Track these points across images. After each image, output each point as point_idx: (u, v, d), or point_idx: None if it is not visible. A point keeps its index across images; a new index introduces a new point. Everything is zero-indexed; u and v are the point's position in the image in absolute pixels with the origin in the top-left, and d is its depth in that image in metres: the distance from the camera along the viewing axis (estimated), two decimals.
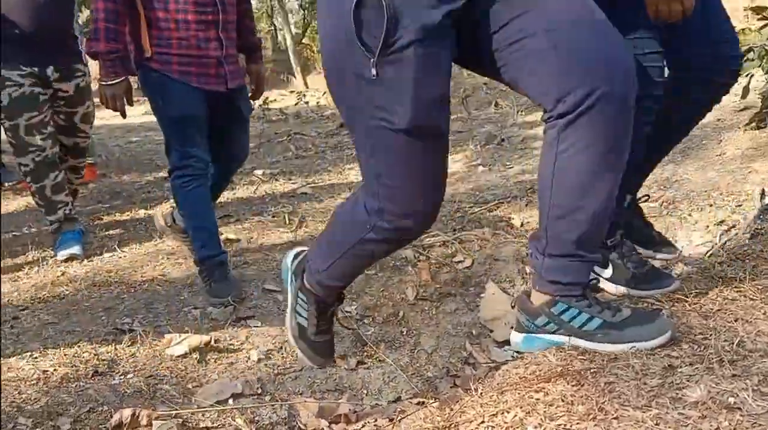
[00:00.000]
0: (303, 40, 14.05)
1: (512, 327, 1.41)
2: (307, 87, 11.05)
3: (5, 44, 2.66)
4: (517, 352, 1.51)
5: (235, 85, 2.30)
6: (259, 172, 4.31)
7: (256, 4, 17.98)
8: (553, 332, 1.30)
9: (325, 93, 8.81)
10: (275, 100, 8.59)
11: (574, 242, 1.24)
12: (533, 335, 1.33)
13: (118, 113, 2.33)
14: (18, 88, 2.69)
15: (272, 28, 18.36)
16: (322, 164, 4.54)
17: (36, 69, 2.73)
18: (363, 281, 2.37)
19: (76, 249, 2.78)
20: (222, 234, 2.99)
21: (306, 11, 14.85)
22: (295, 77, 12.43)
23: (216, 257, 2.29)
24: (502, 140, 4.43)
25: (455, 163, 4.10)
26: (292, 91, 10.00)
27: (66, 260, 2.76)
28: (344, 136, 5.64)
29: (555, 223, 1.25)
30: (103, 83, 2.19)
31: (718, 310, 1.35)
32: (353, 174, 4.14)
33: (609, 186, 1.22)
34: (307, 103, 8.21)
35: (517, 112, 5.25)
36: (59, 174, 2.84)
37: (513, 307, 1.44)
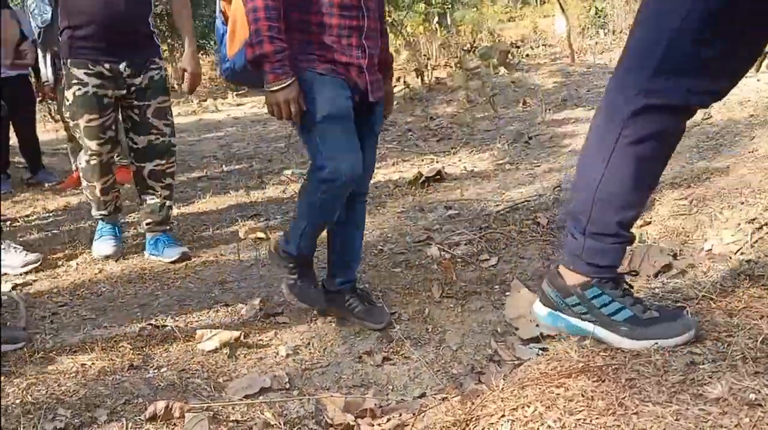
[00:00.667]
0: None
1: (539, 299, 1.41)
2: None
3: (76, 39, 2.61)
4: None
5: (376, 98, 2.05)
6: (288, 172, 4.38)
7: None
8: (581, 316, 1.31)
9: None
10: None
11: (617, 223, 1.27)
12: (560, 313, 1.34)
13: None
14: (81, 87, 2.62)
15: None
16: None
17: (107, 66, 2.63)
18: (389, 278, 2.40)
19: (109, 249, 2.86)
20: (252, 232, 3.06)
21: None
22: None
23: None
24: (530, 139, 4.41)
25: (482, 161, 4.11)
26: None
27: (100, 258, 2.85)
28: None
29: (601, 205, 1.28)
30: (274, 89, 1.83)
31: (744, 307, 1.34)
32: (381, 173, 4.17)
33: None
34: None
35: (545, 110, 5.22)
36: (111, 178, 2.85)
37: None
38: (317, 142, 1.87)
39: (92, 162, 2.76)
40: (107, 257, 2.85)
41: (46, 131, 6.16)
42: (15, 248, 2.80)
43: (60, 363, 1.88)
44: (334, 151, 1.86)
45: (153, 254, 2.85)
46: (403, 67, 8.96)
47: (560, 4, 8.25)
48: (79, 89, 2.63)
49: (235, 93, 9.69)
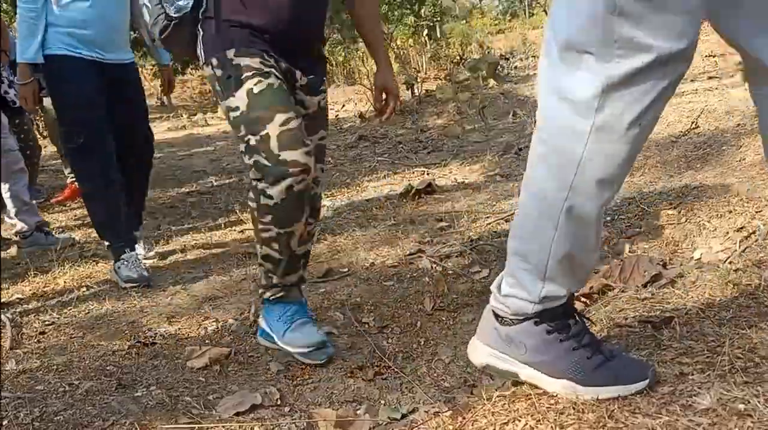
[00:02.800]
0: None
1: None
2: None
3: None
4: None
5: None
6: None
7: None
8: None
9: (344, 106, 8.89)
10: None
11: None
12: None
13: None
14: (263, 79, 1.84)
15: None
16: (341, 177, 4.59)
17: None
18: (380, 292, 2.40)
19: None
20: (241, 247, 3.05)
21: (325, 25, 14.99)
22: None
23: None
24: (520, 150, 4.43)
25: (473, 173, 4.12)
26: None
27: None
28: (363, 148, 5.69)
29: None
30: None
31: (732, 317, 1.34)
32: (371, 186, 4.17)
33: None
34: None
35: (535, 121, 5.25)
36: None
37: None
38: None
39: (294, 188, 1.69)
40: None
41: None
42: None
43: (47, 383, 1.85)
44: None
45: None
46: (394, 79, 8.99)
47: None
48: (260, 82, 1.75)
49: None
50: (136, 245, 2.86)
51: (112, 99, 2.78)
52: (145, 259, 2.89)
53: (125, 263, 2.71)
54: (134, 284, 2.66)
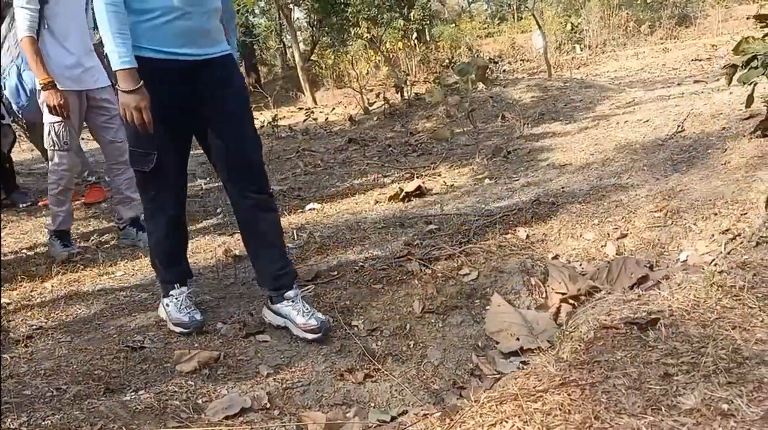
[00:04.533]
0: (311, 57, 14.20)
1: None
2: (316, 104, 11.17)
3: None
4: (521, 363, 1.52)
5: None
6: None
7: (265, 22, 18.23)
8: None
9: (333, 109, 8.89)
10: (284, 116, 8.69)
11: None
12: None
13: None
14: None
15: (281, 45, 18.58)
16: (330, 180, 4.59)
17: None
18: (369, 295, 2.40)
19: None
20: (231, 251, 3.04)
21: (314, 29, 15.02)
22: (303, 94, 12.56)
23: None
24: (508, 153, 4.45)
25: (462, 176, 4.13)
26: (300, 108, 10.11)
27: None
28: (352, 152, 5.70)
29: None
30: None
31: (717, 318, 1.36)
32: (361, 189, 4.18)
33: None
34: (315, 119, 8.29)
35: (523, 124, 5.28)
36: None
37: None
38: None
39: None
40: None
41: (21, 151, 6.08)
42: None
43: (34, 388, 1.84)
44: None
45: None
46: (383, 83, 9.02)
47: (537, 20, 8.38)
48: None
49: None
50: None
51: None
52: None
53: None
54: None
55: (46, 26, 3.02)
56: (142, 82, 1.95)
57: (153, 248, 2.30)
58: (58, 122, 3.05)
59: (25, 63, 3.15)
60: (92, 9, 3.25)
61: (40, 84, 2.96)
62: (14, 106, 3.39)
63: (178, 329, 2.23)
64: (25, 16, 2.96)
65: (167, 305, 2.30)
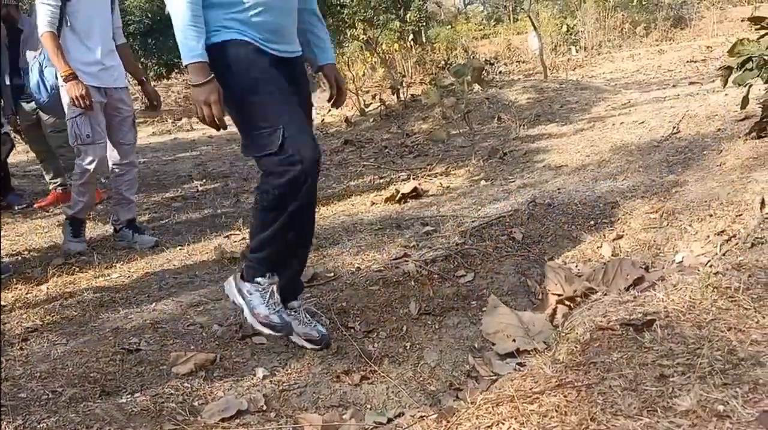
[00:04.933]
0: None
1: None
2: (312, 105, 11.13)
3: None
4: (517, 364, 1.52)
5: None
6: None
7: None
8: None
9: (329, 111, 8.88)
10: None
11: None
12: None
13: None
14: None
15: None
16: (327, 181, 4.59)
17: None
18: (366, 296, 2.40)
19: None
20: (227, 252, 3.03)
21: None
22: None
23: None
24: (505, 154, 4.46)
25: (458, 177, 4.14)
26: None
27: None
28: (348, 153, 5.70)
29: None
30: None
31: (712, 319, 1.36)
32: (357, 191, 4.18)
33: None
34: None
35: (519, 126, 5.29)
36: None
37: None
38: None
39: None
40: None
41: (17, 152, 6.06)
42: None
43: (30, 390, 1.83)
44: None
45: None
46: (379, 84, 9.02)
47: (533, 21, 8.39)
48: None
49: None
50: None
51: None
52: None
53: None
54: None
55: (68, 23, 3.02)
56: (212, 75, 1.83)
57: (276, 232, 1.98)
58: (79, 116, 3.05)
59: (47, 59, 3.15)
60: (118, 9, 3.26)
61: (62, 76, 2.96)
62: (35, 102, 3.47)
63: (266, 331, 1.97)
64: (46, 11, 2.95)
65: (249, 292, 1.99)
